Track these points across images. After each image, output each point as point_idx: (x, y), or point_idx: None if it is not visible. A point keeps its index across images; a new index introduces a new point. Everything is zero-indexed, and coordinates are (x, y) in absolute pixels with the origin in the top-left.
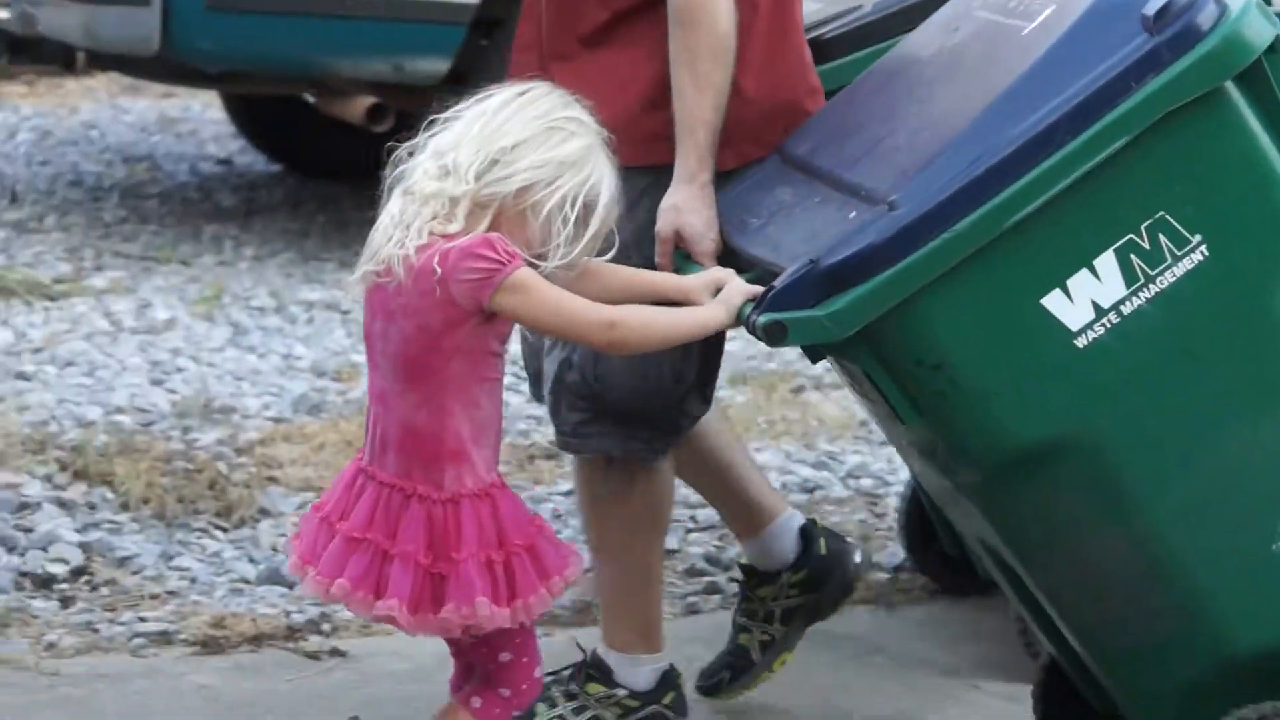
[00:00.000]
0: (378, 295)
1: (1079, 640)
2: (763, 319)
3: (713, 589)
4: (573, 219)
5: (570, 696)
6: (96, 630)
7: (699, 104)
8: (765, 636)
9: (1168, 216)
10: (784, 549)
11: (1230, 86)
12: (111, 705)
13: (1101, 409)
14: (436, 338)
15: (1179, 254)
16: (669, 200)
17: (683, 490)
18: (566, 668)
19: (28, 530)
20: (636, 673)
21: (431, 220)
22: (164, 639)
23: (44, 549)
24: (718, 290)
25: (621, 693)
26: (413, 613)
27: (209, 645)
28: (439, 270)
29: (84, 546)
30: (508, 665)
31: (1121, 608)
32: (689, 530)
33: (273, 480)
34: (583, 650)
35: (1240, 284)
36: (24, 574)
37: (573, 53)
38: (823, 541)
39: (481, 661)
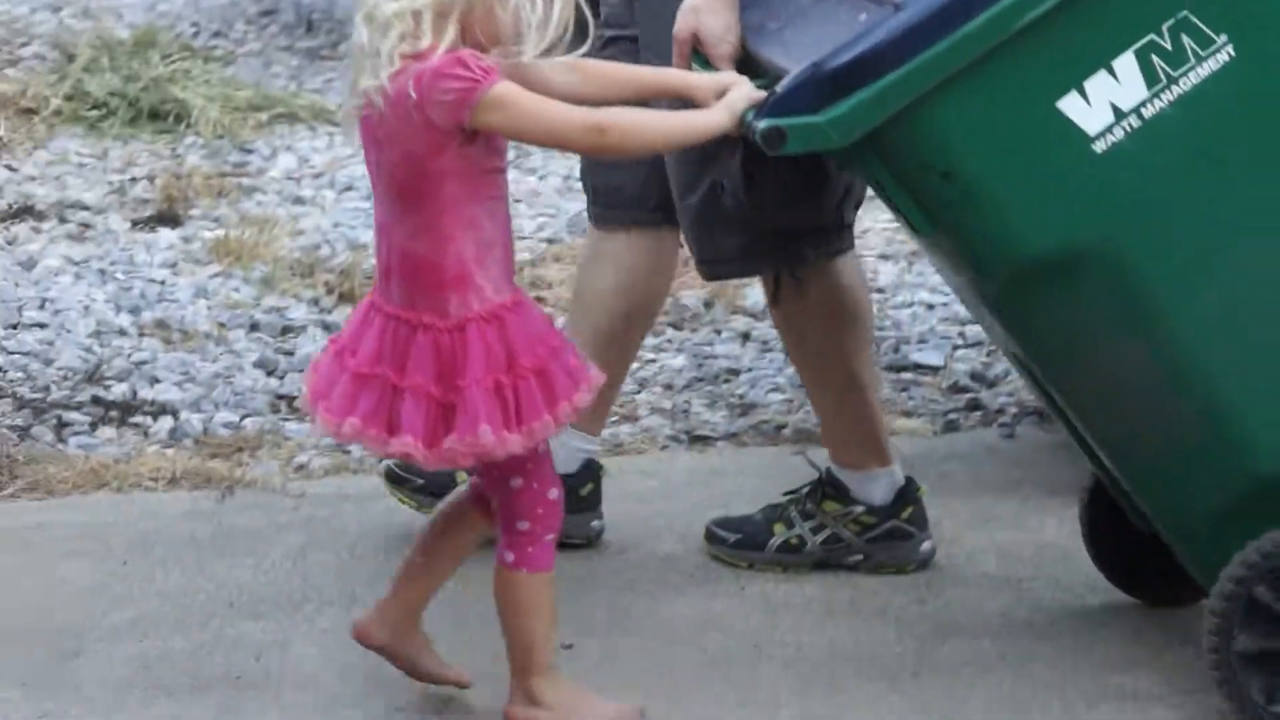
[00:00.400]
0: (365, 127)
1: (1110, 456)
2: (762, 124)
3: (974, 405)
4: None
5: (807, 516)
6: (347, 452)
7: None
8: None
9: (1191, 15)
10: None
11: None
12: (354, 525)
13: (1122, 216)
14: (423, 162)
15: (1203, 54)
16: (689, 1)
17: (955, 306)
18: (804, 486)
19: (289, 354)
20: (872, 487)
21: (400, 43)
22: None
23: (302, 372)
24: (724, 93)
25: (859, 509)
26: (429, 447)
27: None
28: (414, 95)
29: None
30: (519, 491)
31: (1145, 420)
32: (955, 346)
33: (541, 301)
34: (816, 468)
35: (1268, 86)
36: (280, 396)
37: None
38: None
39: (494, 490)
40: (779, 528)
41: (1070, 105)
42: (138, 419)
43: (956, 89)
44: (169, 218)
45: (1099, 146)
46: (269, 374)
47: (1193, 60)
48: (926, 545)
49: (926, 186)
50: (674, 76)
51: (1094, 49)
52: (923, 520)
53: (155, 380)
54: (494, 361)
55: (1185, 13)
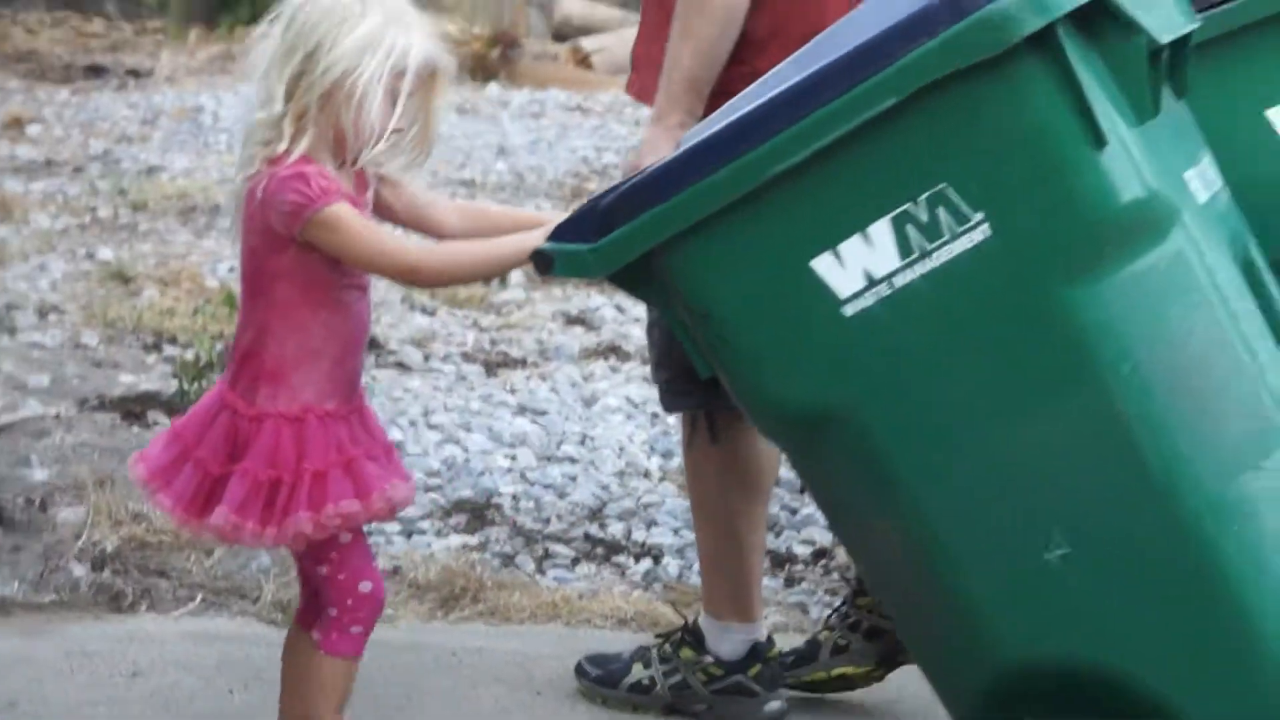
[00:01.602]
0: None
1: (893, 620)
2: (536, 249)
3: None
4: (379, 96)
5: (664, 659)
6: None
7: (677, 49)
8: (841, 641)
9: (949, 189)
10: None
11: (1021, 56)
12: None
13: (868, 384)
14: (263, 259)
15: (958, 230)
16: (638, 139)
17: None
18: (675, 630)
19: (792, 511)
20: (725, 640)
21: (262, 147)
22: None
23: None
24: None
25: (708, 659)
26: (185, 512)
27: None
28: (259, 196)
29: None
30: (326, 578)
31: (905, 595)
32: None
33: None
34: (684, 617)
35: (1019, 272)
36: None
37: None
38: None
39: (306, 577)
40: (637, 667)
41: (824, 265)
42: (620, 559)
43: (709, 232)
44: None
45: (848, 310)
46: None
47: (948, 235)
48: (773, 705)
49: (693, 325)
50: (531, 217)
51: (850, 211)
52: (771, 680)
53: (653, 524)
54: (279, 458)
55: (944, 185)
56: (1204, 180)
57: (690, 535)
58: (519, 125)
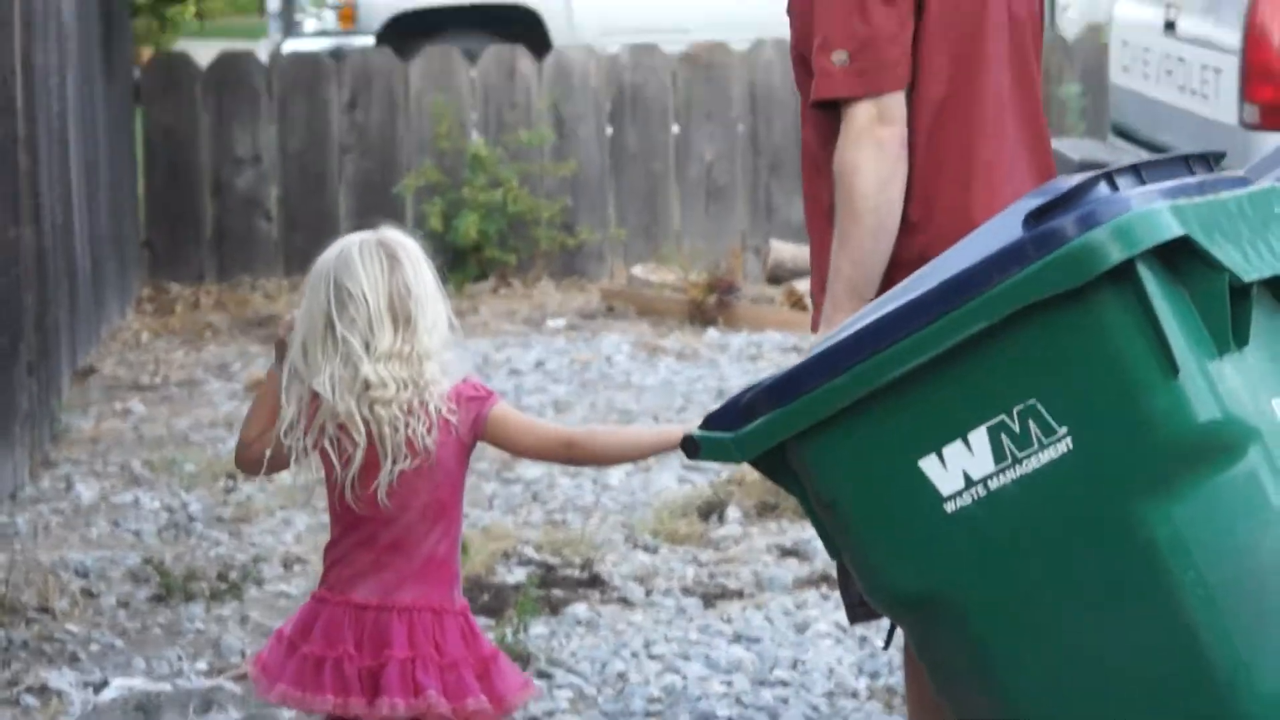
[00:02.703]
0: None
1: None
2: (686, 435)
3: None
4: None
5: None
6: None
7: (838, 255)
8: None
9: (1038, 404)
10: None
11: (1101, 289)
12: None
13: (964, 574)
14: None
15: (1045, 442)
16: (810, 340)
17: None
18: None
19: None
20: None
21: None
22: None
23: None
24: None
25: None
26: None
27: None
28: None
29: None
30: None
31: None
32: None
33: None
34: None
35: (1098, 484)
36: None
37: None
38: None
39: None
40: None
41: (929, 465)
42: None
43: (838, 428)
44: None
45: (949, 507)
46: None
47: (1036, 445)
48: None
49: (820, 511)
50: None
51: (953, 419)
52: None
53: None
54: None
55: (1034, 400)
56: None
57: None
58: (737, 368)
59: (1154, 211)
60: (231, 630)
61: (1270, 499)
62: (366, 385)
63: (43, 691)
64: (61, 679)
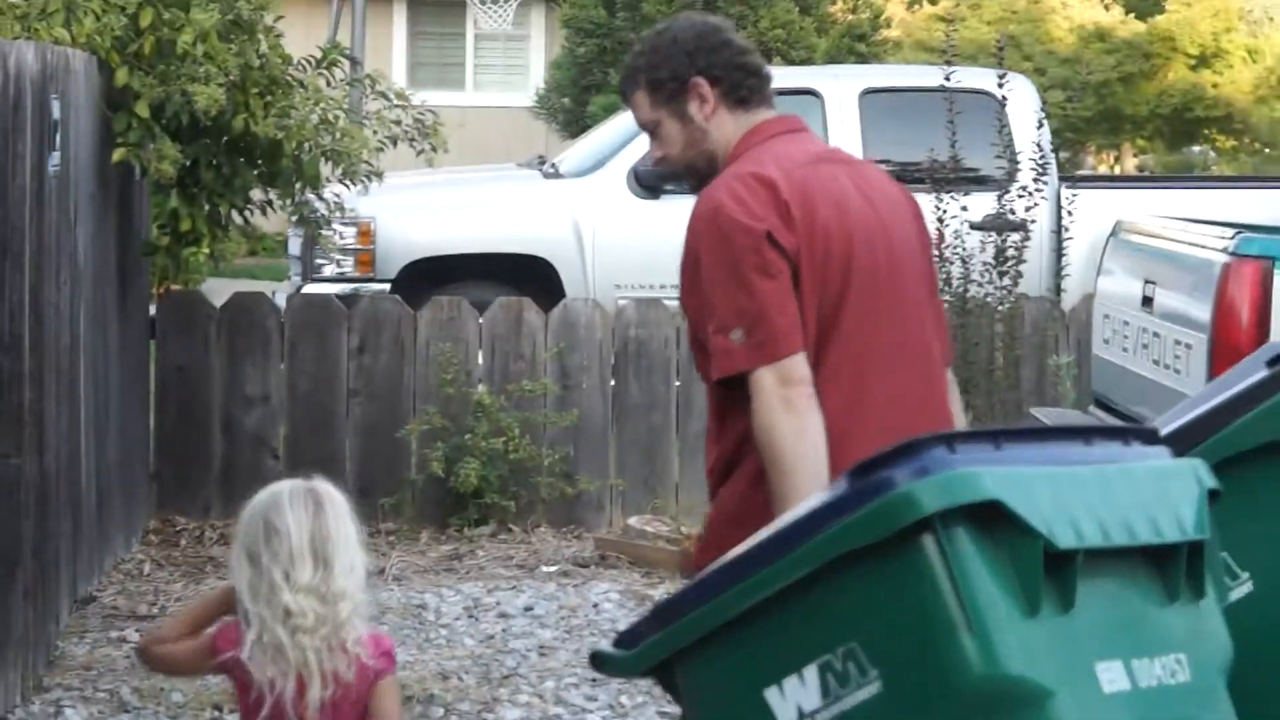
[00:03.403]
0: None
1: None
2: (594, 650)
3: None
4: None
5: None
6: None
7: (780, 512)
8: None
9: (858, 646)
10: None
11: (912, 540)
12: None
13: None
14: None
15: (859, 683)
16: None
17: None
18: None
19: None
20: None
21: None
22: None
23: None
24: None
25: None
26: None
27: None
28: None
29: None
30: None
31: None
32: None
33: None
34: None
35: None
36: None
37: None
38: None
39: None
40: None
41: (772, 696)
42: None
43: (701, 653)
44: None
45: None
46: None
47: (852, 685)
48: None
49: None
50: None
51: (793, 653)
52: None
53: None
54: None
55: (854, 643)
56: (1139, 671)
57: None
58: None
59: (970, 473)
60: None
61: None
62: (287, 613)
63: None
64: None
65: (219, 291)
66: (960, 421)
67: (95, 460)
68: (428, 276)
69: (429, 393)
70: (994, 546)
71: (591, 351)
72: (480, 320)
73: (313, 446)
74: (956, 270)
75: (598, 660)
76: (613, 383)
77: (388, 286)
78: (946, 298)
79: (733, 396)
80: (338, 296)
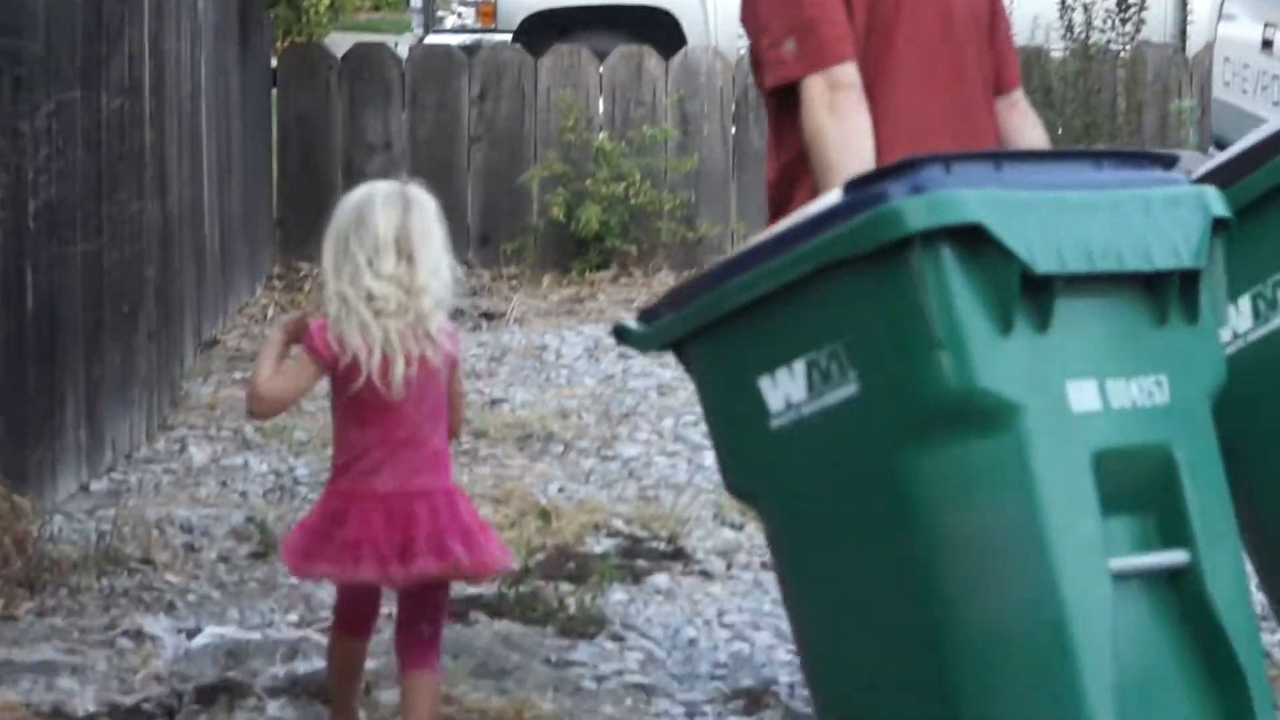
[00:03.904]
0: None
1: None
2: (617, 323)
3: None
4: None
5: None
6: None
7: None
8: None
9: (841, 347)
10: None
11: (896, 255)
12: None
13: (777, 488)
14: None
15: (839, 382)
16: None
17: None
18: None
19: None
20: None
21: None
22: None
23: None
24: None
25: None
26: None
27: None
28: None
29: None
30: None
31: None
32: None
33: None
34: None
35: (870, 429)
36: None
37: None
38: None
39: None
40: None
41: (765, 384)
42: None
43: (708, 337)
44: None
45: (773, 424)
46: None
47: (834, 383)
48: None
49: (701, 403)
50: None
51: (785, 347)
52: None
53: None
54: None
55: (839, 343)
56: (1113, 392)
57: None
58: None
59: (955, 195)
60: (324, 586)
61: (1022, 471)
62: (370, 296)
63: (138, 636)
64: (157, 625)
65: (343, 45)
66: (1035, 142)
67: (219, 206)
68: (549, 28)
69: (549, 139)
70: (975, 267)
71: (712, 98)
72: (601, 69)
73: (435, 193)
74: (1079, 17)
75: (619, 333)
76: (734, 129)
77: (509, 38)
78: (1068, 44)
79: (791, 109)
80: (460, 47)
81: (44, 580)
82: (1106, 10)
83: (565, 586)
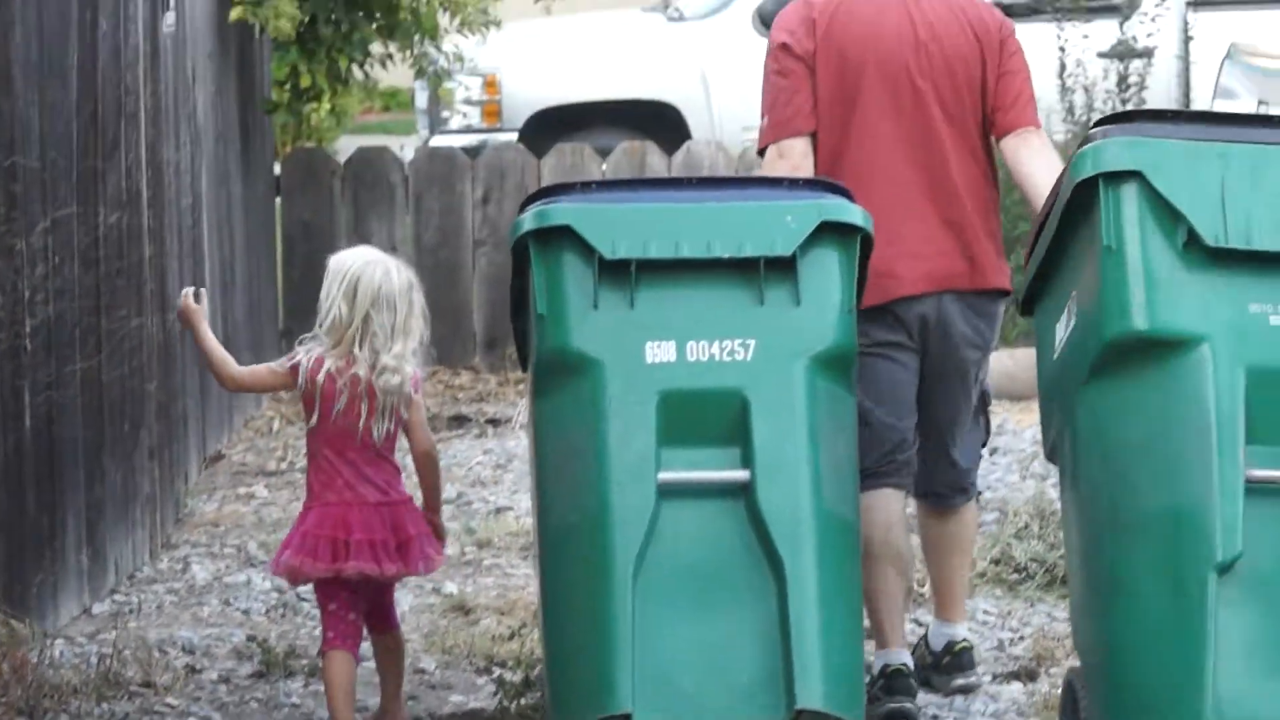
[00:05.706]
0: None
1: None
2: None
3: None
4: None
5: None
6: None
7: None
8: None
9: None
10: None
11: (527, 250)
12: None
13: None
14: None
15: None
16: None
17: None
18: None
19: None
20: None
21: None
22: None
23: None
24: None
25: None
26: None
27: None
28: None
29: None
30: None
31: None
32: None
33: None
34: None
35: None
36: None
37: None
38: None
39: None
40: None
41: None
42: None
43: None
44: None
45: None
46: None
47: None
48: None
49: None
50: None
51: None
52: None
53: None
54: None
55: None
56: (690, 349)
57: None
58: None
59: (551, 208)
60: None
61: (594, 406)
62: (384, 369)
63: None
64: None
65: (350, 148)
66: (1045, 179)
67: (222, 317)
68: (554, 126)
69: None
70: (572, 258)
71: None
72: (604, 166)
73: (440, 298)
74: (1080, 99)
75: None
76: None
77: (514, 137)
78: (1070, 128)
79: None
80: (464, 149)
81: (44, 707)
82: (1106, 90)
83: None
